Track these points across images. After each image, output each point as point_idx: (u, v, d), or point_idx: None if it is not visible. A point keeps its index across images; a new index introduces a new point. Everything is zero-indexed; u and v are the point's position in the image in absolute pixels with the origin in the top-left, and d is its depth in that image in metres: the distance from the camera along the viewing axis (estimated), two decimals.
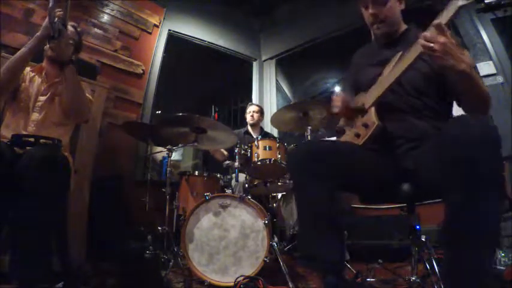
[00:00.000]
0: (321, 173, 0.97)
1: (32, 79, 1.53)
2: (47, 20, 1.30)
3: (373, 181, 1.08)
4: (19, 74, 1.43)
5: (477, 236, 0.74)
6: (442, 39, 0.84)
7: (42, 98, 1.50)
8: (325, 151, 1.03)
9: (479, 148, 0.72)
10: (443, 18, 0.89)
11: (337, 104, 1.19)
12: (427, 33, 0.87)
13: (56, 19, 1.27)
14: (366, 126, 1.11)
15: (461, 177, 0.74)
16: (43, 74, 1.55)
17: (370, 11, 1.18)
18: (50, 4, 1.25)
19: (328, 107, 1.42)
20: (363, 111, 1.15)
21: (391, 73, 1.09)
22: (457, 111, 1.17)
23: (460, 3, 0.85)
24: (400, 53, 1.09)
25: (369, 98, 1.16)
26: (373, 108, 1.11)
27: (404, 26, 1.26)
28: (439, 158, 0.83)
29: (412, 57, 0.98)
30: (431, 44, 0.85)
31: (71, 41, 1.50)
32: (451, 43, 0.85)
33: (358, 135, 1.13)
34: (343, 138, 1.24)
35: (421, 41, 0.88)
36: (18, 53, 1.36)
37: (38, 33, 1.35)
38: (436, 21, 0.87)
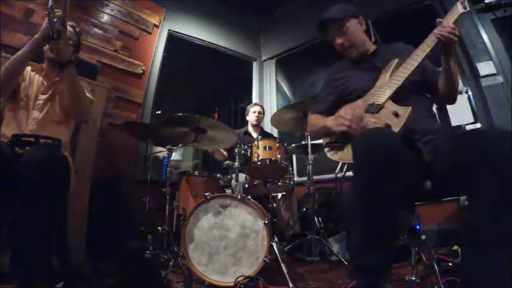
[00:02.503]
0: (397, 177, 0.84)
1: (32, 78, 1.53)
2: (46, 21, 1.29)
3: (410, 179, 1.00)
4: (18, 75, 1.43)
5: (504, 232, 0.74)
6: (457, 29, 1.03)
7: (42, 97, 1.51)
8: (399, 150, 0.89)
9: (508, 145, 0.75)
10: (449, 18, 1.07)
11: (344, 122, 1.13)
12: (446, 22, 1.05)
13: (55, 19, 1.26)
14: (396, 115, 1.05)
15: (492, 172, 0.75)
16: (43, 73, 1.56)
17: (337, 41, 1.32)
18: (49, 4, 1.23)
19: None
20: (378, 108, 1.11)
21: (405, 66, 1.12)
22: None
23: (461, 10, 1.05)
24: (397, 60, 1.12)
25: (381, 96, 1.14)
26: (389, 101, 1.10)
27: (373, 46, 1.35)
28: (471, 154, 0.82)
29: (428, 48, 1.09)
30: (450, 31, 1.03)
31: (70, 42, 1.50)
32: None
33: (388, 127, 1.05)
34: None
35: (447, 29, 1.03)
36: (17, 55, 1.36)
37: (36, 35, 1.34)
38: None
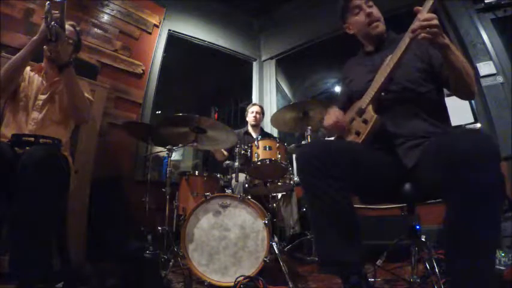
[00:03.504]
0: (336, 173, 0.95)
1: (32, 78, 1.53)
2: (43, 23, 1.27)
3: (376, 181, 1.07)
4: (17, 77, 1.42)
5: (477, 238, 0.74)
6: (436, 20, 0.90)
7: (42, 97, 1.50)
8: (337, 150, 1.00)
9: (482, 153, 0.74)
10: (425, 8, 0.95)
11: (330, 119, 1.22)
12: (425, 15, 0.91)
13: (53, 22, 1.24)
14: (365, 122, 1.13)
15: (463, 180, 0.74)
16: (43, 73, 1.55)
17: (367, 10, 1.23)
18: (46, 7, 1.22)
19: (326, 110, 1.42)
20: (362, 112, 1.16)
21: (384, 68, 1.11)
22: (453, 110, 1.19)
23: None
24: (390, 56, 1.11)
25: (365, 100, 1.17)
26: (370, 106, 1.14)
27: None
28: (442, 159, 0.83)
29: (404, 45, 1.03)
30: (421, 26, 0.90)
31: (70, 41, 1.49)
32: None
33: (358, 133, 1.14)
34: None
35: (420, 23, 0.91)
36: (16, 56, 1.35)
37: (35, 37, 1.33)
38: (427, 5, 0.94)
